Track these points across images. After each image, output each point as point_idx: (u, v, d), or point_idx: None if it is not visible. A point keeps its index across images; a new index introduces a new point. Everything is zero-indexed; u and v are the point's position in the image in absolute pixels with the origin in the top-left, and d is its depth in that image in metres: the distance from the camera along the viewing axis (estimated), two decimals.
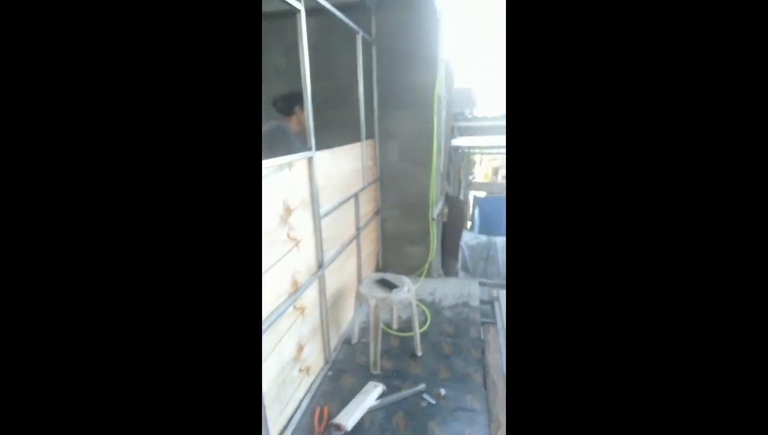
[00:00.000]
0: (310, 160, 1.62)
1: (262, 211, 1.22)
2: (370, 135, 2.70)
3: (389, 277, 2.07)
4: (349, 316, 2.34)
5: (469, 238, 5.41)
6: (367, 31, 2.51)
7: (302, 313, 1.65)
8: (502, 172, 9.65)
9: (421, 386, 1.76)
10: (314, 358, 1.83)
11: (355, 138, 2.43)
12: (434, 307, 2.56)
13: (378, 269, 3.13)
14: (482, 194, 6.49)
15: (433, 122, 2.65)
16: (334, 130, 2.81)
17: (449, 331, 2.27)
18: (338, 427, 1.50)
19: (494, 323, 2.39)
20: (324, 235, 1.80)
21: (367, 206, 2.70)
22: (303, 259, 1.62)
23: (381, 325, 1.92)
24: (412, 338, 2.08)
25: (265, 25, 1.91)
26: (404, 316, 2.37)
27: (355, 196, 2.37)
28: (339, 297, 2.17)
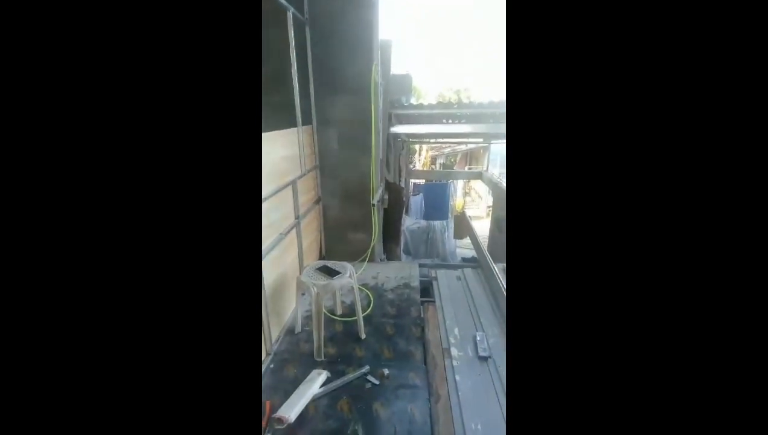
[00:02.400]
0: None
1: None
2: (307, 120, 2.61)
3: (331, 264, 2.05)
4: (291, 306, 2.29)
5: (409, 223, 5.61)
6: (299, 9, 2.39)
7: None
8: (439, 160, 10.16)
9: (365, 368, 1.80)
10: None
11: (291, 123, 2.33)
12: (377, 291, 2.62)
13: (321, 257, 3.09)
14: (422, 182, 6.74)
15: (370, 108, 2.65)
16: (268, 114, 2.67)
17: (391, 313, 2.35)
18: (280, 420, 1.47)
19: (433, 302, 2.52)
20: None
21: (306, 194, 2.63)
22: None
23: (324, 311, 1.91)
24: (355, 323, 2.11)
25: None
26: (348, 301, 2.39)
27: (293, 183, 2.29)
28: (280, 287, 2.10)
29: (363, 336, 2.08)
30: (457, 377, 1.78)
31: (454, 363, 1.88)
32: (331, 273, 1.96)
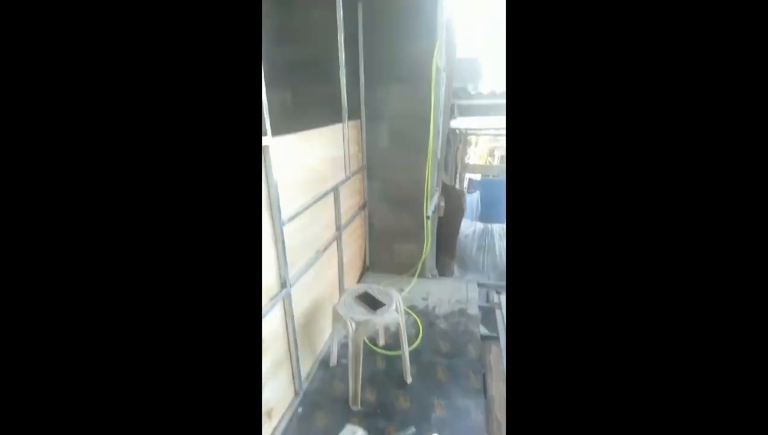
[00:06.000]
0: (264, 149, 1.20)
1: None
2: (354, 115, 2.26)
3: (374, 290, 1.71)
4: (327, 332, 2.00)
5: (463, 226, 5.06)
6: None
7: None
8: (499, 153, 9.19)
9: (411, 431, 1.44)
10: (279, 396, 1.49)
11: (336, 118, 2.00)
12: (427, 316, 2.23)
13: (365, 269, 2.78)
14: (477, 177, 6.12)
15: (429, 100, 2.22)
16: (311, 108, 2.37)
17: (444, 350, 1.95)
18: None
19: (496, 338, 2.07)
20: (289, 243, 1.41)
21: (350, 200, 2.30)
22: None
23: (362, 352, 1.57)
24: (400, 359, 1.75)
25: None
26: (392, 328, 2.03)
27: (335, 189, 1.97)
28: (314, 311, 1.81)
29: (409, 380, 1.72)
30: None
31: None
32: (373, 304, 1.61)
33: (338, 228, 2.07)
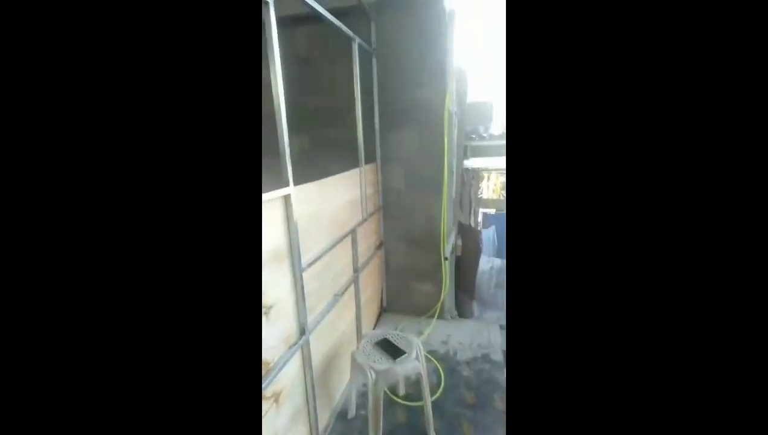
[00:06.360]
0: (285, 198, 1.24)
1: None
2: (370, 158, 2.33)
3: (393, 336, 1.65)
4: (345, 380, 1.92)
5: (480, 262, 4.95)
6: (366, 40, 2.18)
7: (276, 400, 1.24)
8: None
9: None
10: None
11: (353, 162, 2.06)
12: (448, 362, 2.13)
13: (382, 310, 2.72)
14: (492, 211, 6.08)
15: (443, 142, 2.28)
16: (330, 153, 2.47)
17: (469, 400, 1.83)
18: None
19: None
20: (308, 288, 1.41)
21: (367, 241, 2.31)
22: (275, 331, 1.22)
23: (382, 403, 1.49)
24: (422, 410, 1.65)
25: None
26: (413, 377, 1.94)
27: (352, 232, 1.99)
28: (332, 358, 1.75)
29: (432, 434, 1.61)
30: None
31: None
32: (393, 351, 1.55)
33: (355, 270, 2.06)
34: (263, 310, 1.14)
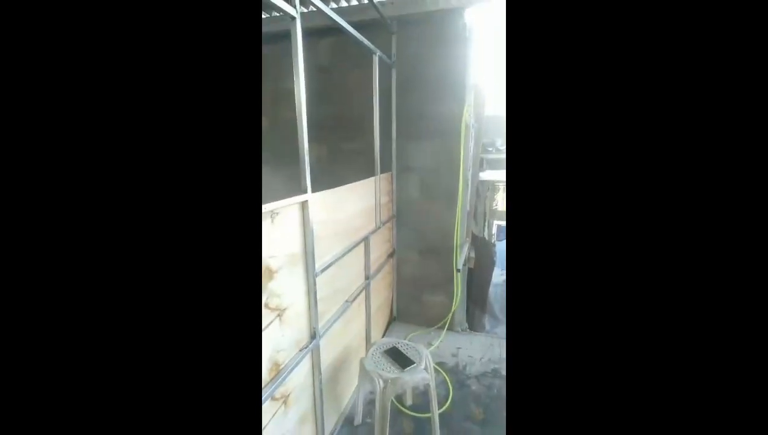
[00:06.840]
0: (303, 204, 1.28)
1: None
2: (386, 168, 2.37)
3: (402, 346, 1.66)
4: (352, 385, 1.93)
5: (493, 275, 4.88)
6: (387, 52, 2.23)
7: (285, 402, 1.26)
8: None
9: None
10: None
11: (369, 171, 2.10)
12: (457, 375, 2.11)
13: (392, 319, 2.72)
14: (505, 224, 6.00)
15: (459, 154, 2.29)
16: (347, 162, 2.52)
17: (477, 415, 1.81)
18: None
19: None
20: (320, 294, 1.43)
21: (379, 248, 2.33)
22: (289, 333, 1.25)
23: (389, 412, 1.49)
24: (428, 421, 1.64)
25: (279, 47, 1.65)
26: (421, 387, 1.93)
27: (366, 239, 2.01)
28: (341, 364, 1.77)
29: None
30: None
31: None
32: (402, 361, 1.56)
33: (367, 277, 2.08)
34: (277, 313, 1.17)
